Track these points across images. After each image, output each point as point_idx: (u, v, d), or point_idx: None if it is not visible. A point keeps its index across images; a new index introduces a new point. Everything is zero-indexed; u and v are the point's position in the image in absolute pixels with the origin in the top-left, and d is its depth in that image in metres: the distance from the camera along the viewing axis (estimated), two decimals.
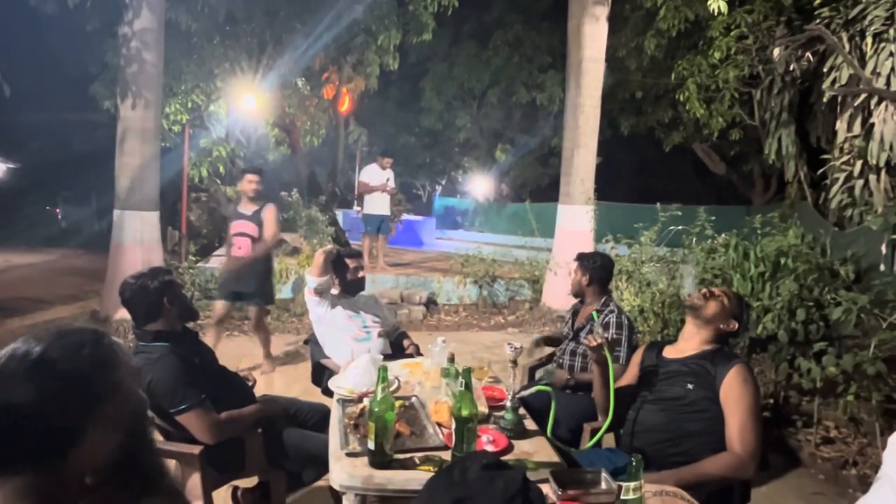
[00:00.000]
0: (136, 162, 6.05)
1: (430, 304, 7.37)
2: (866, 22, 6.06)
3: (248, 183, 4.61)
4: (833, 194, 6.52)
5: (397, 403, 2.07)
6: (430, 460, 1.75)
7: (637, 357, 2.33)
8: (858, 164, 6.22)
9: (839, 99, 6.76)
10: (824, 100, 7.24)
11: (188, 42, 8.52)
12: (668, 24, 8.27)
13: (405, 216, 12.28)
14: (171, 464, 2.10)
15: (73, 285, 8.13)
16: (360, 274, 3.29)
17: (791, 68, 7.75)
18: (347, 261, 3.23)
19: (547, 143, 14.69)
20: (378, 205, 7.90)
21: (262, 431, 2.31)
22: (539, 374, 3.27)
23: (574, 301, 3.26)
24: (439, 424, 2.00)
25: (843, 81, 6.37)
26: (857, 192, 6.22)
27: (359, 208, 8.58)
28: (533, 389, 2.36)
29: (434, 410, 2.08)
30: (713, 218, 5.34)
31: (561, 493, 1.44)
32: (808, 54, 7.52)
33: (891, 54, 5.87)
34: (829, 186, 6.66)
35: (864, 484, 3.04)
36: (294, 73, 9.55)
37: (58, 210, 21.06)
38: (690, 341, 2.16)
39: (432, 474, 1.31)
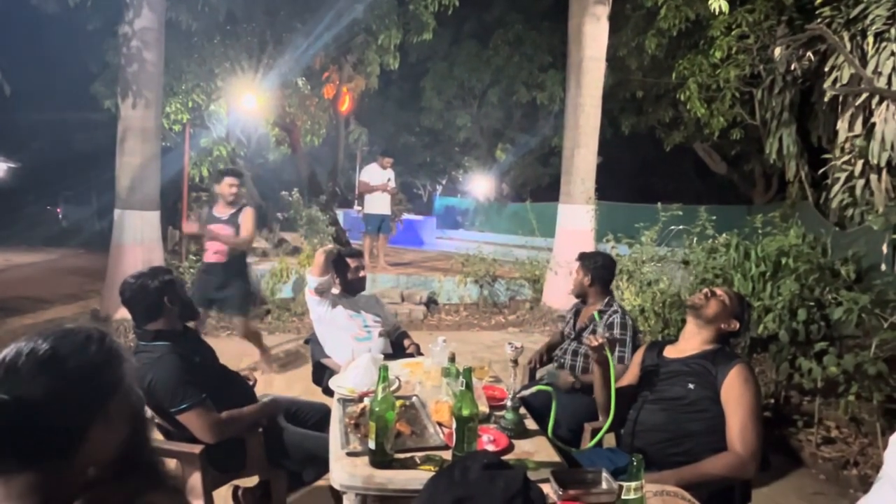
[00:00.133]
0: (136, 161, 6.05)
1: (431, 303, 7.37)
2: (867, 21, 6.05)
3: (228, 186, 4.42)
4: (834, 194, 6.51)
5: (398, 403, 2.07)
6: (430, 460, 1.75)
7: (638, 357, 2.33)
8: (859, 163, 6.21)
9: (840, 98, 6.76)
10: (825, 99, 7.23)
11: (189, 41, 8.53)
12: (668, 24, 8.27)
13: (406, 216, 12.29)
14: (172, 463, 2.10)
15: (74, 285, 8.13)
16: (361, 273, 3.28)
17: (792, 68, 7.75)
18: (348, 260, 3.23)
19: (547, 142, 14.68)
20: (378, 204, 7.90)
21: (263, 431, 2.31)
22: (540, 373, 3.26)
23: (574, 301, 3.26)
24: (440, 424, 2.00)
25: (845, 81, 6.36)
26: (858, 191, 6.21)
27: (359, 208, 8.58)
28: (534, 389, 2.36)
29: (435, 410, 2.07)
30: (714, 217, 5.34)
31: (562, 493, 1.44)
32: (810, 54, 7.51)
33: (892, 53, 5.86)
34: (830, 186, 6.66)
35: (865, 484, 3.04)
36: (294, 72, 9.55)
37: (58, 209, 21.05)
38: (691, 341, 2.16)
39: (433, 474, 1.31)
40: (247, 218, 4.44)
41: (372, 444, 1.71)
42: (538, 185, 17.12)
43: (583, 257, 3.14)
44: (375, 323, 3.19)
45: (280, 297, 6.90)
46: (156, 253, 6.22)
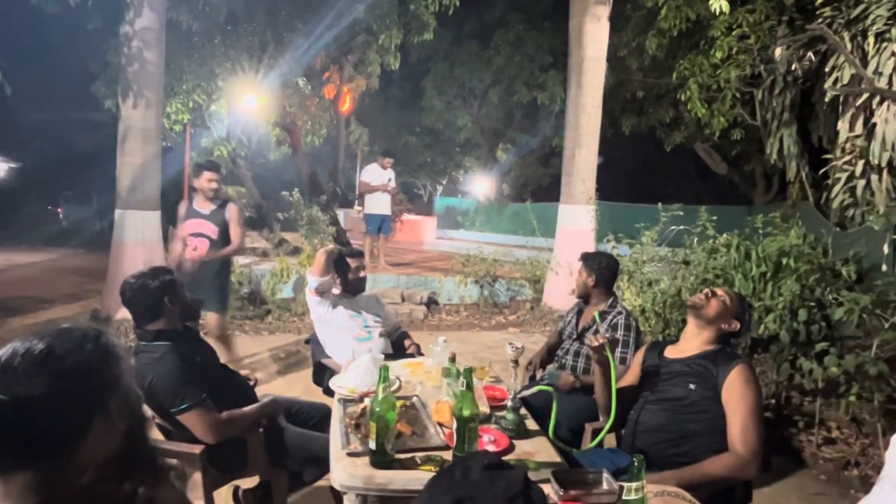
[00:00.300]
0: (137, 161, 6.05)
1: (432, 303, 7.37)
2: (868, 21, 6.05)
3: (207, 181, 4.19)
4: (835, 194, 6.50)
5: (398, 403, 2.07)
6: (431, 460, 1.74)
7: (639, 357, 2.33)
8: (860, 163, 6.20)
9: (841, 99, 6.75)
10: (826, 99, 7.23)
11: (189, 41, 8.53)
12: (669, 24, 8.27)
13: (406, 216, 12.29)
14: (172, 463, 2.10)
15: (75, 285, 8.13)
16: (362, 273, 3.28)
17: (793, 68, 7.75)
18: (349, 260, 3.23)
19: (548, 142, 14.68)
20: (379, 204, 7.91)
21: (264, 431, 2.30)
22: (540, 375, 3.26)
23: (574, 300, 3.25)
24: (440, 424, 2.00)
25: (845, 81, 6.35)
26: (858, 192, 6.20)
27: (360, 208, 8.59)
28: (534, 389, 2.36)
29: (435, 410, 2.07)
30: (715, 218, 5.33)
31: (562, 494, 1.44)
32: (810, 54, 7.51)
33: (893, 54, 5.86)
34: (831, 186, 6.65)
35: (866, 485, 3.04)
36: (295, 72, 9.55)
37: (59, 209, 21.04)
38: (692, 341, 2.16)
39: (433, 474, 1.31)
40: (235, 215, 4.25)
41: (372, 445, 1.71)
42: (539, 185, 17.12)
43: (586, 258, 3.12)
44: (376, 323, 3.19)
45: (280, 298, 6.90)
46: (156, 253, 6.22)
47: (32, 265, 10.67)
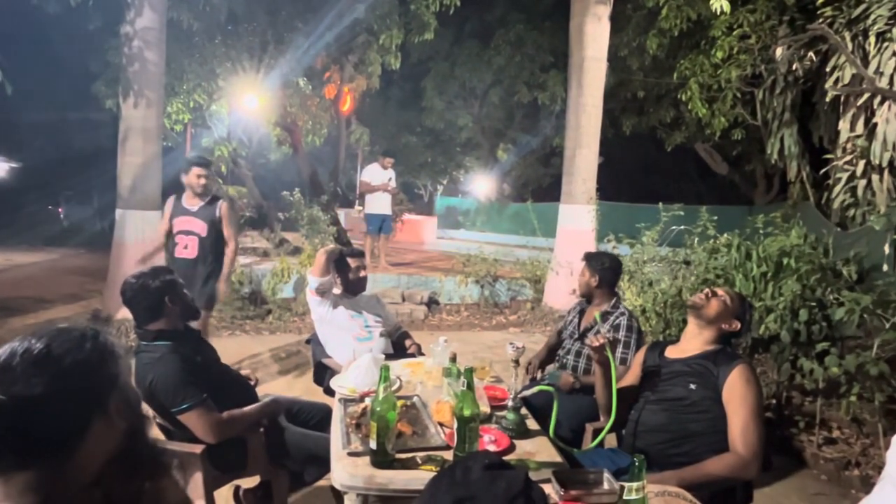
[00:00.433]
0: (138, 161, 6.06)
1: (432, 303, 7.38)
2: (869, 21, 6.04)
3: (196, 177, 4.09)
4: (836, 194, 6.50)
5: (399, 403, 2.07)
6: (431, 460, 1.74)
7: (639, 357, 2.32)
8: (861, 163, 6.20)
9: (842, 99, 6.74)
10: (827, 99, 7.22)
11: (190, 41, 8.54)
12: (670, 24, 8.27)
13: (407, 216, 12.29)
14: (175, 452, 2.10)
15: (75, 284, 8.14)
16: (362, 273, 3.28)
17: (793, 68, 7.74)
18: (349, 260, 3.23)
19: (549, 142, 14.68)
20: (380, 204, 7.91)
21: (264, 431, 2.31)
22: (541, 374, 3.26)
23: (575, 300, 3.25)
24: (441, 424, 2.00)
25: (846, 81, 6.35)
26: (859, 192, 6.20)
27: (360, 208, 8.59)
28: (535, 389, 2.36)
29: (436, 410, 2.07)
30: (715, 218, 5.33)
31: (563, 494, 1.44)
32: (811, 54, 7.51)
33: (894, 54, 5.85)
34: (832, 186, 6.65)
35: (867, 485, 3.04)
36: (296, 72, 9.56)
37: (60, 209, 21.08)
38: (693, 341, 2.15)
39: (434, 474, 1.31)
40: (227, 218, 4.15)
41: (373, 444, 1.71)
42: (539, 185, 17.12)
43: (589, 258, 3.12)
44: (376, 323, 3.19)
45: (281, 297, 6.91)
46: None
47: (33, 265, 10.67)
